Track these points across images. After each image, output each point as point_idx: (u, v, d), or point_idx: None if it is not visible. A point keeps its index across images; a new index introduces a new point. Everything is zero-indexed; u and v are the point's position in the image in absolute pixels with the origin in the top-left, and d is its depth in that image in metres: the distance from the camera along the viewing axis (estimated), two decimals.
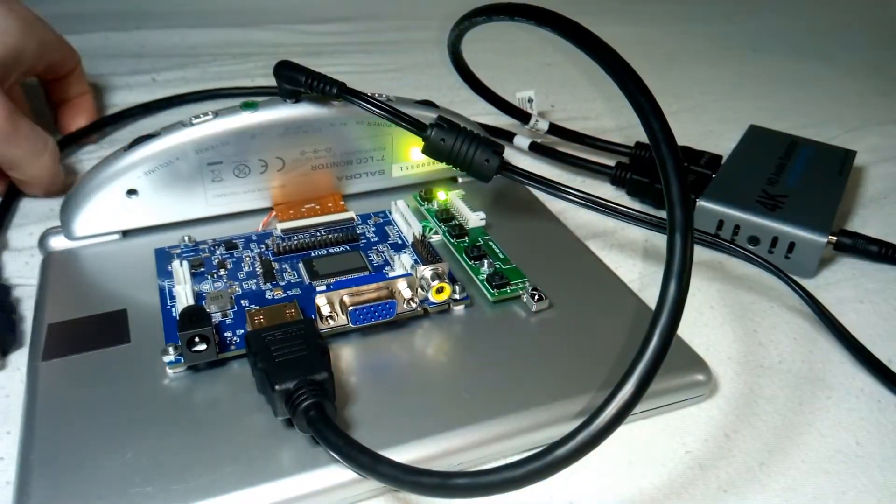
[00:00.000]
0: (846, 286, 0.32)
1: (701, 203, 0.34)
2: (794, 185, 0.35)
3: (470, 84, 0.42)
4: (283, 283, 0.27)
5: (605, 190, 0.38)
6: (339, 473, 0.20)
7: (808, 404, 0.25)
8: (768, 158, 0.38)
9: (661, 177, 0.20)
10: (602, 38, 0.23)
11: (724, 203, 0.33)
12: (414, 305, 0.25)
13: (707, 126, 0.42)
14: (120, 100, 0.46)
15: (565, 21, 0.24)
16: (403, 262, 0.27)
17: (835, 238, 0.33)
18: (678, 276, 0.19)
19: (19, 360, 0.25)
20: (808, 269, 0.32)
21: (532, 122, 0.42)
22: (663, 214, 0.36)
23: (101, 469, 0.20)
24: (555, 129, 0.43)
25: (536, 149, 0.41)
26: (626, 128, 0.46)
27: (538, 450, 0.18)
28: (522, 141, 0.42)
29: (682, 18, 0.70)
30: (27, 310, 0.27)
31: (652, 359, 0.18)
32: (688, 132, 0.45)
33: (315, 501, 0.20)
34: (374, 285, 0.25)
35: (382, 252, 0.29)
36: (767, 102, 0.52)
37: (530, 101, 0.43)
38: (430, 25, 0.63)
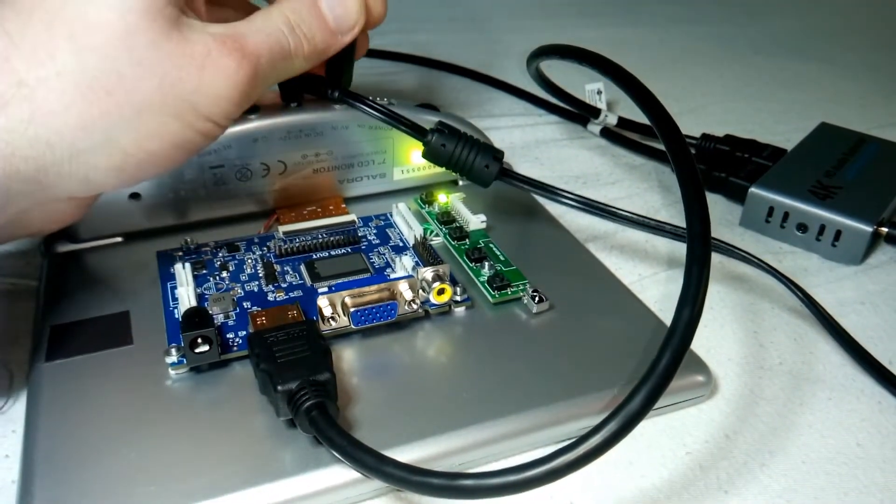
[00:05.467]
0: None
1: (753, 190, 0.35)
2: (851, 178, 0.36)
3: (550, 92, 0.47)
4: (284, 285, 0.27)
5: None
6: (341, 473, 0.20)
7: (809, 405, 0.25)
8: (831, 153, 0.39)
9: (686, 216, 0.23)
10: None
11: (775, 191, 0.35)
12: (415, 307, 0.25)
13: (709, 128, 0.42)
14: None
15: (627, 74, 0.28)
16: (405, 264, 0.27)
17: (885, 229, 0.33)
18: (692, 302, 0.21)
19: (23, 359, 0.25)
20: (854, 257, 0.33)
21: (602, 116, 0.45)
22: (661, 217, 0.37)
23: (104, 469, 0.20)
24: (624, 123, 0.45)
25: (607, 134, 0.44)
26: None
27: (544, 454, 0.18)
28: (594, 127, 0.45)
29: (684, 20, 0.71)
30: (30, 310, 0.27)
31: (662, 376, 0.19)
32: (689, 134, 0.45)
33: (317, 501, 0.20)
34: (375, 287, 0.25)
35: (384, 254, 0.29)
36: (769, 104, 0.52)
37: (599, 93, 0.45)
38: (431, 27, 0.63)
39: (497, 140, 0.43)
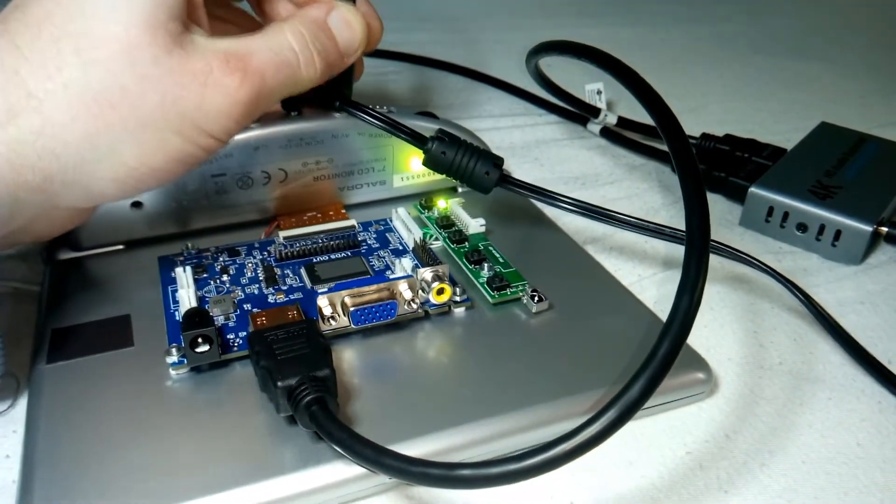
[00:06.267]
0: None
1: (752, 190, 0.35)
2: (851, 177, 0.36)
3: (549, 91, 0.46)
4: (285, 288, 0.27)
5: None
6: (341, 470, 0.20)
7: (809, 405, 0.25)
8: (831, 153, 0.39)
9: (685, 205, 0.23)
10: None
11: (775, 191, 0.35)
12: (415, 307, 0.26)
13: (708, 127, 0.42)
14: None
15: (627, 69, 0.28)
16: (404, 266, 0.27)
17: (885, 229, 0.33)
18: (691, 291, 0.20)
19: (24, 362, 0.25)
20: (854, 257, 0.33)
21: (601, 116, 0.45)
22: (660, 217, 0.37)
23: (105, 468, 0.20)
24: (623, 123, 0.45)
25: (607, 134, 0.44)
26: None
27: (542, 444, 0.18)
28: (594, 126, 0.45)
29: (684, 20, 0.71)
30: (31, 314, 0.27)
31: (661, 364, 0.19)
32: (689, 133, 0.45)
33: (318, 497, 0.20)
34: (375, 286, 0.25)
35: (384, 257, 0.29)
36: (769, 104, 0.52)
37: (599, 93, 0.45)
38: (431, 27, 0.63)
39: (497, 140, 0.44)
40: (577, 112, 0.46)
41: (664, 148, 0.39)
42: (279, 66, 0.22)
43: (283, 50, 0.23)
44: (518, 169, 0.41)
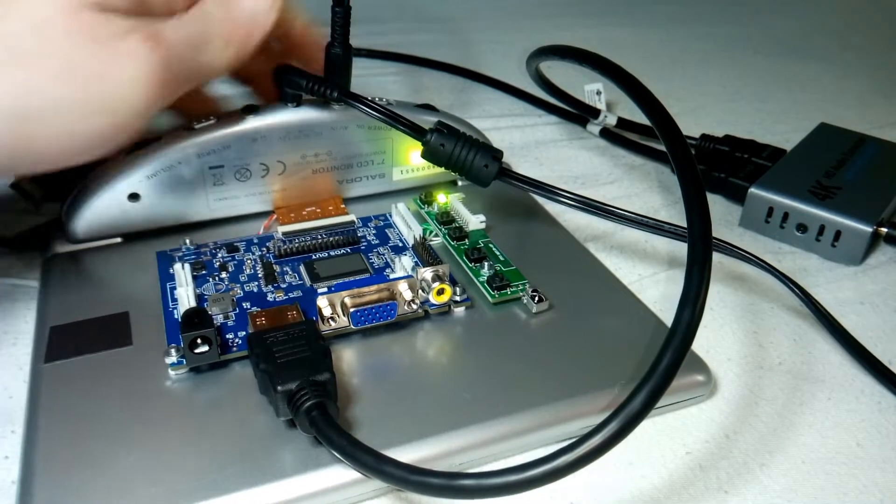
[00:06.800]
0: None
1: (752, 190, 0.35)
2: (850, 178, 0.36)
3: (549, 93, 0.47)
4: (284, 286, 0.27)
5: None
6: (341, 474, 0.20)
7: (809, 405, 0.25)
8: (831, 153, 0.39)
9: (687, 216, 0.23)
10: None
11: (774, 191, 0.35)
12: (415, 307, 0.25)
13: (708, 128, 0.42)
14: None
15: (627, 75, 0.28)
16: (404, 264, 0.27)
17: (884, 229, 0.33)
18: (693, 303, 0.21)
19: (22, 359, 0.25)
20: (854, 258, 0.33)
21: (601, 117, 0.45)
22: (660, 217, 0.37)
23: (104, 470, 0.20)
24: (623, 123, 0.45)
25: (607, 135, 0.44)
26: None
27: (545, 454, 0.18)
28: (594, 127, 0.45)
29: (684, 21, 0.71)
30: (29, 311, 0.27)
31: (663, 376, 0.19)
32: (689, 134, 0.45)
33: (317, 502, 0.20)
34: (374, 287, 0.25)
35: (383, 255, 0.29)
36: (769, 105, 0.52)
37: (598, 93, 0.45)
38: (431, 27, 0.63)
39: (497, 140, 0.43)
40: (577, 113, 0.46)
41: (664, 148, 0.38)
42: (187, 38, 0.24)
43: (191, 21, 0.24)
44: (518, 169, 0.40)
